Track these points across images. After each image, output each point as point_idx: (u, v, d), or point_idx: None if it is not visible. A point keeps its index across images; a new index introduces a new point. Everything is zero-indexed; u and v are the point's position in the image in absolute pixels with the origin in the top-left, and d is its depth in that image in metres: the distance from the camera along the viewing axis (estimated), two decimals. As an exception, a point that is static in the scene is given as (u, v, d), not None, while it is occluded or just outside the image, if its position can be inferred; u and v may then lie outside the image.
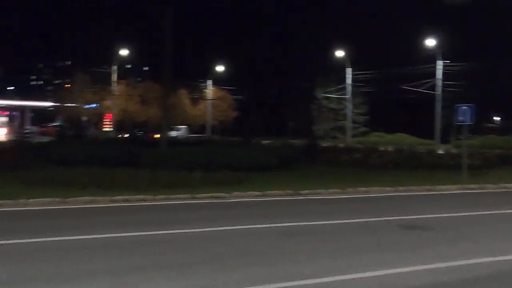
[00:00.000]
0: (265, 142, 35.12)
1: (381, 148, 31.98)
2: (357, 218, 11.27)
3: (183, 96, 63.00)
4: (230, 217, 11.53)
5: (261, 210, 12.81)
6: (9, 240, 8.45)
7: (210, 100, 65.22)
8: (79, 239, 8.82)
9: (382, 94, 58.06)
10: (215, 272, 6.99)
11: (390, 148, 31.41)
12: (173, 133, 52.31)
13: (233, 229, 9.98)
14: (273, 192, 14.91)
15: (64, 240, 8.74)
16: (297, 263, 7.56)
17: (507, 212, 13.07)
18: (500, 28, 68.06)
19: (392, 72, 54.58)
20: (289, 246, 8.65)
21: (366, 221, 10.98)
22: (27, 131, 53.37)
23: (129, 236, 9.19)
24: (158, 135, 47.72)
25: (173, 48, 27.65)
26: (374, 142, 46.82)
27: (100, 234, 9.15)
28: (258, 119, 70.49)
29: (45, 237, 8.77)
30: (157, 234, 9.43)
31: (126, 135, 46.43)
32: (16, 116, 72.34)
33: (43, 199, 12.31)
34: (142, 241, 8.84)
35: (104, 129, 58.33)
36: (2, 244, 8.20)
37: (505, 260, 8.00)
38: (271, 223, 10.63)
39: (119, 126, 58.76)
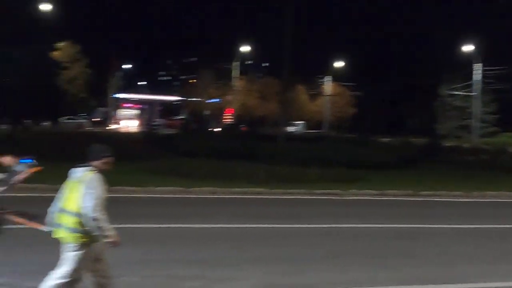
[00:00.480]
0: (383, 139, 34.21)
1: (512, 150, 29.64)
2: (483, 224, 10.59)
3: (301, 91, 63.30)
4: (346, 215, 11.42)
5: (378, 209, 12.53)
6: (144, 224, 9.08)
7: (328, 96, 64.79)
8: (203, 227, 9.26)
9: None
10: (330, 271, 6.97)
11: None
12: (290, 129, 52.81)
13: (349, 227, 9.88)
14: (391, 191, 14.49)
15: (190, 227, 9.23)
16: (417, 266, 7.29)
17: None
18: None
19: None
20: (408, 248, 8.37)
21: (495, 228, 10.28)
22: (155, 123, 56.97)
23: (248, 227, 9.47)
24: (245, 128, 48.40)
25: (293, 43, 27.88)
26: (503, 142, 43.49)
27: (222, 223, 9.55)
28: (377, 116, 68.70)
29: (176, 224, 9.32)
30: (274, 227, 9.61)
31: (217, 129, 47.99)
32: (146, 109, 77.63)
33: (168, 187, 13.08)
34: (259, 233, 9.06)
35: (225, 123, 60.52)
36: (139, 228, 8.82)
37: None
38: (389, 224, 10.36)
39: (239, 120, 60.60)
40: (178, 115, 72.04)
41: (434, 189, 14.93)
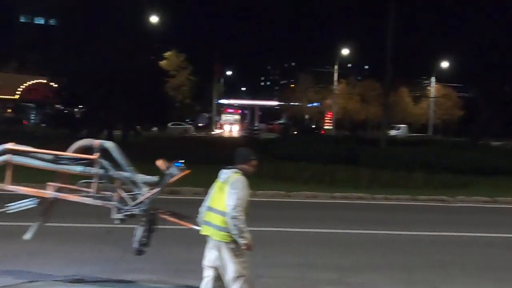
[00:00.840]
0: (496, 143, 32.19)
1: None
2: None
3: (404, 94, 61.32)
4: (453, 222, 10.90)
5: (489, 217, 11.81)
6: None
7: (434, 98, 62.12)
8: (308, 231, 9.30)
9: None
10: (436, 281, 6.69)
11: None
12: (393, 132, 51.34)
13: (457, 235, 9.42)
14: (503, 198, 13.60)
15: (297, 231, 9.30)
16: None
17: None
18: None
19: None
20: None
21: None
22: (256, 128, 58.02)
23: (350, 233, 9.36)
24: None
25: (396, 44, 27.14)
26: None
27: (328, 228, 9.53)
28: (490, 118, 64.62)
29: (283, 227, 9.44)
30: (377, 233, 9.42)
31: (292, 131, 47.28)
32: (246, 114, 79.30)
33: (270, 191, 13.26)
34: (360, 240, 8.92)
35: (325, 127, 60.18)
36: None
37: None
38: (501, 233, 9.72)
39: (339, 124, 60.00)
40: (278, 119, 72.84)
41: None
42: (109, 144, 5.52)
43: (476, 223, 10.91)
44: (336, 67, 60.39)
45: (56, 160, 5.57)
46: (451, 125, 62.49)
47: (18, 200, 5.66)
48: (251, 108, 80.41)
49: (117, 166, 5.48)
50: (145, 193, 5.33)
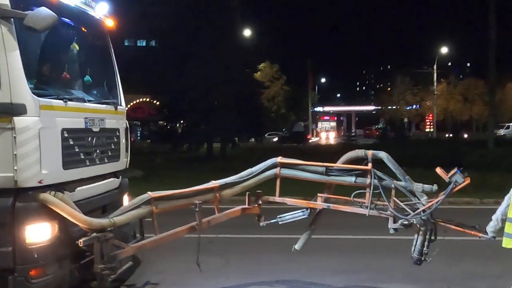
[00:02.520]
0: None
1: None
2: None
3: (512, 90, 57.57)
4: None
5: None
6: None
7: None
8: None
9: None
10: None
11: None
12: (501, 131, 48.35)
13: None
14: None
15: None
16: None
17: None
18: None
19: None
20: None
21: None
22: (353, 134, 57.20)
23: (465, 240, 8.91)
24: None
25: (500, 38, 25.60)
26: None
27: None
28: None
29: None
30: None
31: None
32: (343, 121, 78.50)
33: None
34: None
35: (426, 130, 57.98)
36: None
37: None
38: None
39: (440, 126, 57.55)
40: (375, 124, 71.38)
41: None
42: (383, 155, 5.54)
43: None
44: (435, 66, 58.06)
45: (327, 171, 5.68)
46: None
47: (284, 213, 5.91)
48: (347, 114, 79.50)
49: (390, 176, 5.52)
50: (425, 202, 5.32)
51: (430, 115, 58.61)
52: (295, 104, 61.48)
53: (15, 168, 4.42)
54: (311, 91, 67.98)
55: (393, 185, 5.40)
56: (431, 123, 57.96)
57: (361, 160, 5.58)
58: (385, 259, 7.47)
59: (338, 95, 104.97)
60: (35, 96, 4.59)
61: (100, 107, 5.71)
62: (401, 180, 5.44)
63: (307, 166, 5.77)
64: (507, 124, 53.20)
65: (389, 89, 72.09)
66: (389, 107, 64.03)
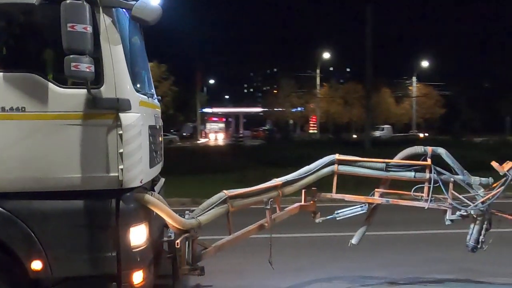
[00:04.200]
0: (478, 139, 32.58)
1: None
2: None
3: (386, 95, 61.82)
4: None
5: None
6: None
7: (415, 98, 62.75)
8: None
9: None
10: None
11: None
12: (377, 133, 51.71)
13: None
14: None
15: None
16: None
17: None
18: None
19: None
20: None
21: None
22: (240, 135, 57.99)
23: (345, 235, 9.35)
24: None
25: (376, 45, 27.39)
26: None
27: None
28: (470, 115, 65.47)
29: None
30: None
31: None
32: (231, 122, 79.30)
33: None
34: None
35: (310, 131, 60.36)
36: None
37: None
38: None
39: (323, 128, 60.24)
40: (262, 126, 72.97)
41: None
42: (441, 150, 5.81)
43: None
44: (318, 71, 60.68)
45: (386, 167, 5.89)
46: (433, 123, 63.15)
47: (342, 208, 6.11)
48: (235, 115, 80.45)
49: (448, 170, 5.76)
50: (483, 194, 5.66)
51: (314, 117, 61.18)
52: (184, 105, 61.01)
53: (121, 167, 4.14)
54: (200, 92, 67.89)
55: (452, 179, 5.70)
56: (315, 125, 60.52)
57: (419, 156, 5.86)
58: (442, 252, 7.85)
59: (227, 96, 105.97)
60: (135, 92, 4.37)
61: (157, 103, 5.69)
62: (458, 174, 5.74)
63: (365, 163, 6.01)
64: (381, 126, 57.07)
65: (275, 91, 74.10)
66: (275, 109, 65.83)
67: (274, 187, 5.75)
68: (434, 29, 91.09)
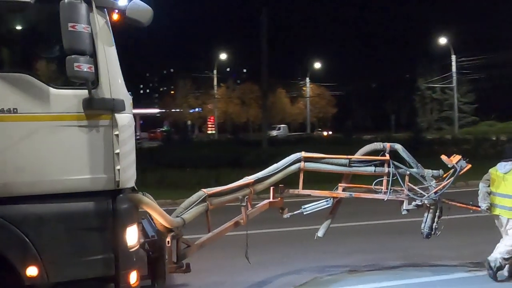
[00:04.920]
0: (367, 137, 34.51)
1: (493, 138, 30.09)
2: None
3: (282, 95, 63.46)
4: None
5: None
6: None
7: (309, 98, 65.09)
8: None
9: (491, 80, 54.40)
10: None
11: (503, 137, 29.47)
12: (274, 132, 52.93)
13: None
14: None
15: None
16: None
17: None
18: None
19: (501, 56, 51.02)
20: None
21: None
22: (137, 137, 56.58)
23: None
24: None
25: (271, 47, 28.03)
26: (484, 131, 44.15)
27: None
28: (360, 114, 69.21)
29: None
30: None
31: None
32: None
33: (156, 200, 12.95)
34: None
35: (208, 132, 60.36)
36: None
37: None
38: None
39: (221, 128, 60.54)
40: (159, 127, 71.83)
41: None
42: (398, 146, 6.29)
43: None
44: (215, 71, 60.84)
45: (350, 163, 6.25)
46: (327, 122, 65.95)
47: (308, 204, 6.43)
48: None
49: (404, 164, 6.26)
50: (435, 185, 6.19)
51: (212, 118, 61.27)
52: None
53: (118, 168, 4.11)
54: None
55: (408, 172, 6.19)
56: (213, 125, 60.62)
57: (378, 152, 6.28)
58: (397, 240, 8.65)
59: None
60: (127, 92, 4.36)
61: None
62: (413, 168, 6.20)
63: (330, 159, 6.33)
64: (278, 126, 58.55)
65: (172, 92, 73.23)
66: (173, 110, 65.07)
67: (247, 185, 5.94)
68: (326, 32, 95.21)
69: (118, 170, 4.15)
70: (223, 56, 61.22)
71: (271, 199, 6.30)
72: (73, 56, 3.79)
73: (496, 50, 51.68)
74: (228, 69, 79.17)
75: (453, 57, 54.79)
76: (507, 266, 6.42)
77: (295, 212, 6.42)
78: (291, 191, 6.37)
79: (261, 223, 7.66)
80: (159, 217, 4.88)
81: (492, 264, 6.32)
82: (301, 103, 66.51)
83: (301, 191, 6.34)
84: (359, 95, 72.41)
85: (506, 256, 6.33)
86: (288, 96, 65.86)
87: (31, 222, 3.96)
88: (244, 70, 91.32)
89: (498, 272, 6.34)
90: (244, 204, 5.73)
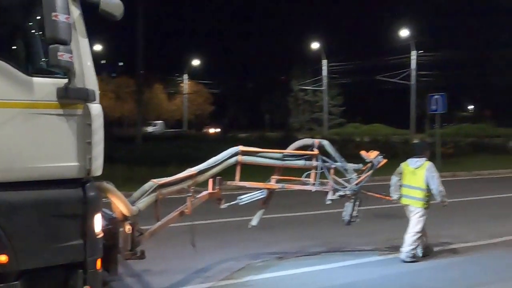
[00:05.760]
0: (242, 135, 35.19)
1: (357, 139, 32.26)
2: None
3: (159, 90, 62.49)
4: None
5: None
6: None
7: (186, 95, 64.82)
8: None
9: (358, 85, 58.41)
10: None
11: (366, 139, 31.70)
12: (150, 129, 51.99)
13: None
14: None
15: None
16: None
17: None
18: (472, 17, 69.13)
19: (367, 63, 54.96)
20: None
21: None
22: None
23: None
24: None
25: (148, 41, 27.43)
26: (350, 133, 47.24)
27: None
28: (236, 113, 70.41)
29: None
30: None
31: None
32: None
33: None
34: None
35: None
36: None
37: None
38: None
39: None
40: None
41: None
42: (325, 142, 6.84)
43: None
44: (88, 63, 58.02)
45: (283, 157, 6.68)
46: (204, 119, 66.17)
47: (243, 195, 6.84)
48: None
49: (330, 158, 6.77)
50: (356, 178, 6.80)
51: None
52: None
53: (89, 157, 4.19)
54: None
55: (333, 166, 6.75)
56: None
57: (307, 147, 6.78)
58: (320, 229, 9.58)
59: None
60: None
61: None
62: (338, 162, 6.78)
63: (265, 153, 6.70)
64: (154, 122, 57.56)
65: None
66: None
67: (190, 177, 6.18)
68: (206, 29, 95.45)
69: (89, 158, 4.23)
70: (97, 47, 58.74)
71: (210, 190, 6.55)
72: (55, 45, 3.83)
73: (362, 57, 55.49)
74: (103, 61, 76.17)
75: (324, 62, 58.00)
76: (419, 246, 7.32)
77: (232, 203, 6.74)
78: (228, 182, 6.64)
79: (201, 214, 7.85)
80: (122, 205, 5.14)
81: (409, 260, 7.22)
82: (179, 99, 66.02)
83: (238, 183, 6.65)
84: (236, 94, 73.67)
85: (414, 245, 7.22)
86: (166, 92, 65.02)
87: (2, 209, 3.93)
88: (120, 64, 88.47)
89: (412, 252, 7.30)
90: (190, 194, 6.05)
